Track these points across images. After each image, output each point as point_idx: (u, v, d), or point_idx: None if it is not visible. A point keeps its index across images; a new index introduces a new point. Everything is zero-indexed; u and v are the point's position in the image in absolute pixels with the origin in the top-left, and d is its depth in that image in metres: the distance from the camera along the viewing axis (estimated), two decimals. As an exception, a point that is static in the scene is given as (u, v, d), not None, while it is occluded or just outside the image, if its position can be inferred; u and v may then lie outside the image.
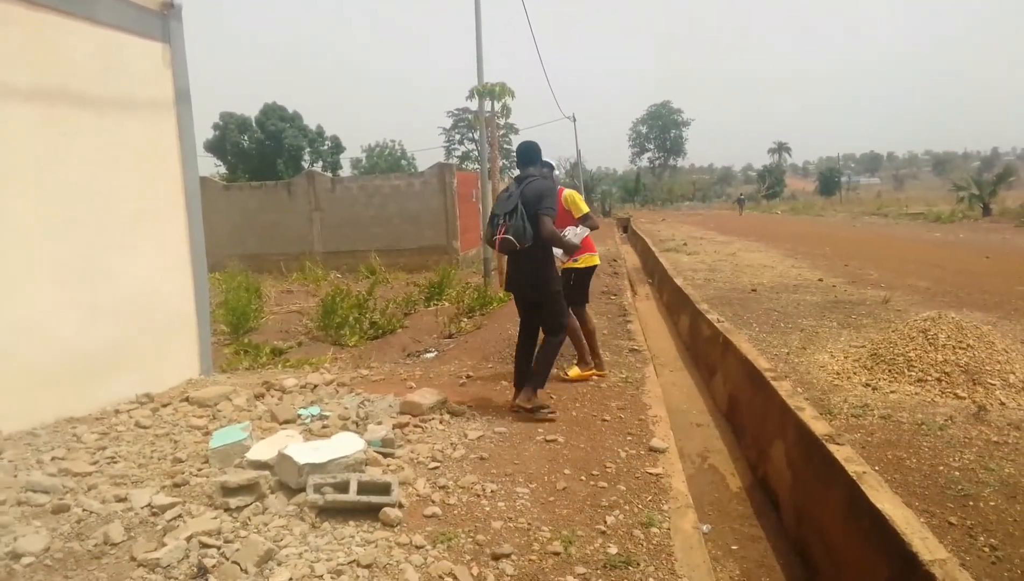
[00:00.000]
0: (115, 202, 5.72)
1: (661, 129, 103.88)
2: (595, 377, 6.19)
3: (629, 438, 4.69)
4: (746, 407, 5.99)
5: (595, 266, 6.31)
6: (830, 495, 3.87)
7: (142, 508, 3.54)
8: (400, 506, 3.54)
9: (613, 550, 3.20)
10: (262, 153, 40.54)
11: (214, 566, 2.96)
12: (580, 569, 3.04)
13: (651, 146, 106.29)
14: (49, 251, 5.18)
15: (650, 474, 4.10)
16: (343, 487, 3.50)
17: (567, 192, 6.04)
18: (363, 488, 3.51)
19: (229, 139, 40.95)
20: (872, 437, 4.47)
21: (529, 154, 5.23)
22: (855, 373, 5.83)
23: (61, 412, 5.13)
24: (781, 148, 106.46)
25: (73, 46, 5.38)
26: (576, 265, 6.14)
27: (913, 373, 5.47)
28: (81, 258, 5.42)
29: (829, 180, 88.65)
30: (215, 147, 41.15)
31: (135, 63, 6.01)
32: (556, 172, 6.13)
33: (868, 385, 5.53)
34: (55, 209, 5.22)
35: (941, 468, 3.94)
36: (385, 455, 4.22)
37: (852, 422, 4.75)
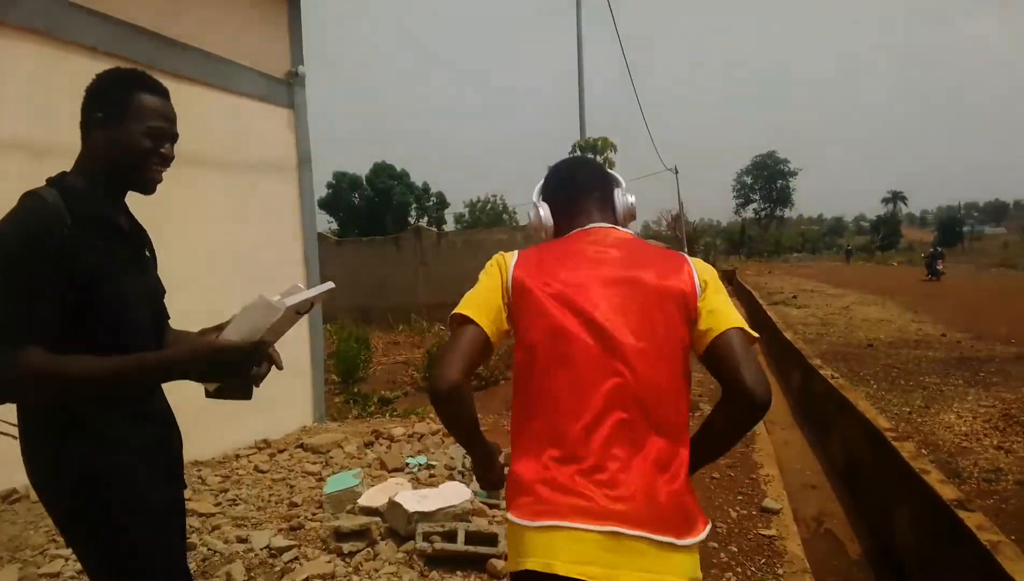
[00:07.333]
0: (243, 257, 6.09)
1: (767, 179, 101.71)
2: None
3: (740, 498, 4.55)
4: (865, 469, 5.69)
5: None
6: (961, 565, 3.62)
7: (261, 549, 3.70)
8: (506, 558, 3.55)
9: (725, 613, 3.10)
10: (372, 210, 42.24)
11: (328, 609, 3.04)
12: (691, 631, 2.95)
13: (756, 197, 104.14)
14: (185, 302, 5.55)
15: (763, 536, 3.95)
16: (451, 536, 3.55)
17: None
18: (471, 538, 3.55)
19: (341, 197, 42.92)
20: (1007, 504, 4.16)
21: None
22: (986, 435, 5.46)
23: (188, 455, 5.40)
24: (896, 197, 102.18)
25: (211, 113, 5.85)
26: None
27: (1053, 436, 5.08)
28: (212, 310, 5.76)
29: (950, 230, 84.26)
30: (328, 204, 43.17)
31: (263, 128, 6.47)
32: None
33: (1001, 448, 5.16)
34: (192, 262, 5.61)
35: (1089, 541, 3.62)
36: (491, 506, 4.24)
37: (984, 487, 4.45)
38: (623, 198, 1.78)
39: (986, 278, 28.37)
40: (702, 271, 1.60)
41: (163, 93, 1.74)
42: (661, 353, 1.51)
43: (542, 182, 1.87)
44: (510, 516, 1.47)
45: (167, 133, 1.73)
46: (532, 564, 1.40)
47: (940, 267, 26.19)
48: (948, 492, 4.16)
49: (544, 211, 1.78)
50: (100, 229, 1.65)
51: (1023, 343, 9.98)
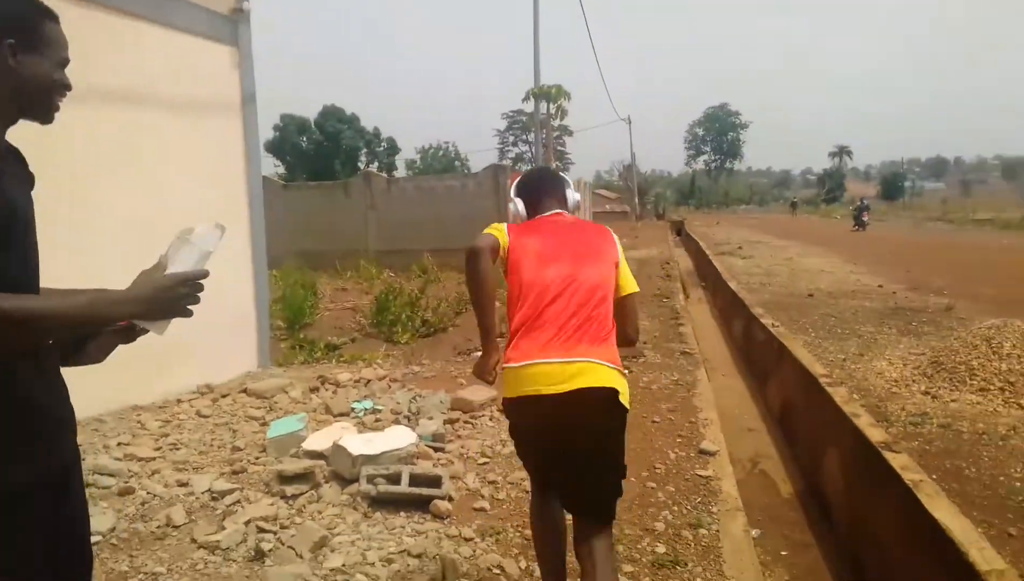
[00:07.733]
0: (184, 199, 5.90)
1: (718, 132, 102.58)
2: None
3: (679, 440, 4.68)
4: (800, 413, 5.89)
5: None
6: (885, 503, 3.80)
7: (203, 493, 3.68)
8: (450, 499, 3.60)
9: (661, 549, 3.21)
10: (320, 154, 41.34)
11: (270, 550, 3.06)
12: (628, 567, 3.05)
13: (707, 149, 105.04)
14: (124, 244, 5.38)
15: (700, 476, 4.08)
16: (395, 479, 3.58)
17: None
18: (415, 480, 3.59)
19: (289, 140, 41.86)
20: (930, 446, 4.37)
21: None
22: (914, 381, 5.70)
23: (126, 400, 5.34)
24: (842, 152, 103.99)
25: (150, 49, 5.59)
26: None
27: (975, 382, 5.32)
28: (152, 252, 5.61)
29: (892, 185, 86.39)
30: (275, 148, 42.11)
31: (205, 66, 6.22)
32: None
33: (927, 393, 5.40)
34: (130, 204, 5.42)
35: (1002, 479, 3.84)
36: (436, 449, 4.29)
37: (910, 430, 4.66)
38: (572, 196, 2.68)
39: (923, 232, 29.28)
40: (618, 240, 2.57)
41: (59, 20, 1.59)
42: (601, 270, 2.40)
43: (515, 183, 2.73)
44: (507, 365, 2.27)
45: (68, 62, 1.60)
46: (527, 391, 2.22)
47: (866, 219, 30.55)
48: (876, 435, 4.33)
49: (520, 207, 2.65)
50: (11, 162, 1.54)
51: (955, 294, 10.37)
